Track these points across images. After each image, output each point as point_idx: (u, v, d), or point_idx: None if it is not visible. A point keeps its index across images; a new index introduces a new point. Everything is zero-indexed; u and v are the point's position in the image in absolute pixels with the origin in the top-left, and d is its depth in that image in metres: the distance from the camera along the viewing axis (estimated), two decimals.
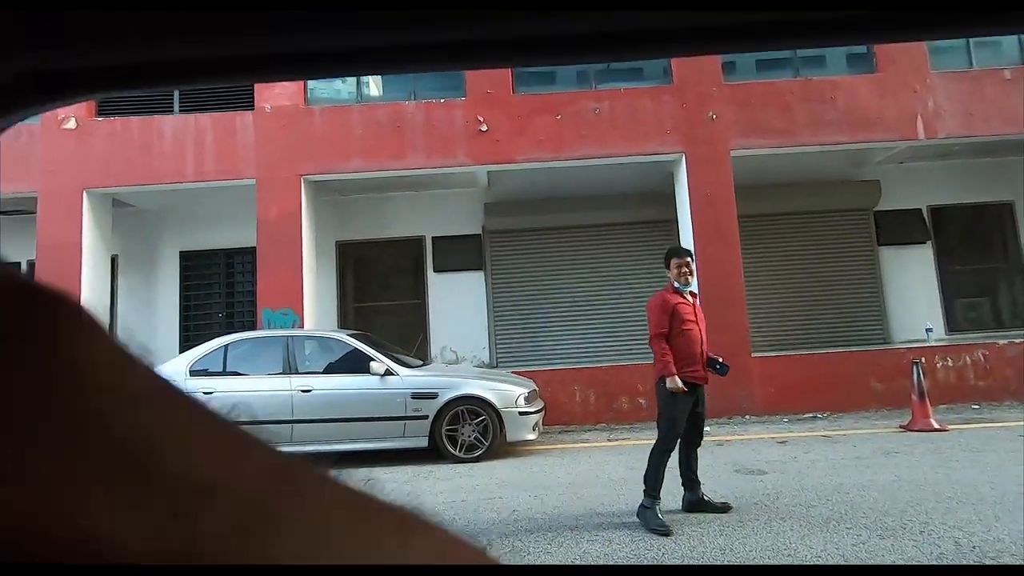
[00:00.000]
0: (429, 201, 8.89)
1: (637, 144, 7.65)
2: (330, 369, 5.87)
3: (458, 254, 8.86)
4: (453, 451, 5.56)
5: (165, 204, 8.53)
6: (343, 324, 8.60)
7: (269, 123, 7.76)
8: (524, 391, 5.81)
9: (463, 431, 5.61)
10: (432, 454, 5.61)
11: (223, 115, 7.67)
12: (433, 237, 8.95)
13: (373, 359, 5.76)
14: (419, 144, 7.72)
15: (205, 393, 5.45)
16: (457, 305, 8.75)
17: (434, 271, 8.91)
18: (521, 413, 5.67)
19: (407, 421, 5.61)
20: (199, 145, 7.59)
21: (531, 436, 5.72)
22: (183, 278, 8.82)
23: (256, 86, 7.76)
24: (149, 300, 8.71)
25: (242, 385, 5.67)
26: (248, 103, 7.79)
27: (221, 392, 5.43)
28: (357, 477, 0.19)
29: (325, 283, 8.55)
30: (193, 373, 5.65)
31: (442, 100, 7.85)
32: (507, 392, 5.74)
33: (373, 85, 8.44)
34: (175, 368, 5.65)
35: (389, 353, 6.03)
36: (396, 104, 7.95)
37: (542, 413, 5.97)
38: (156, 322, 8.68)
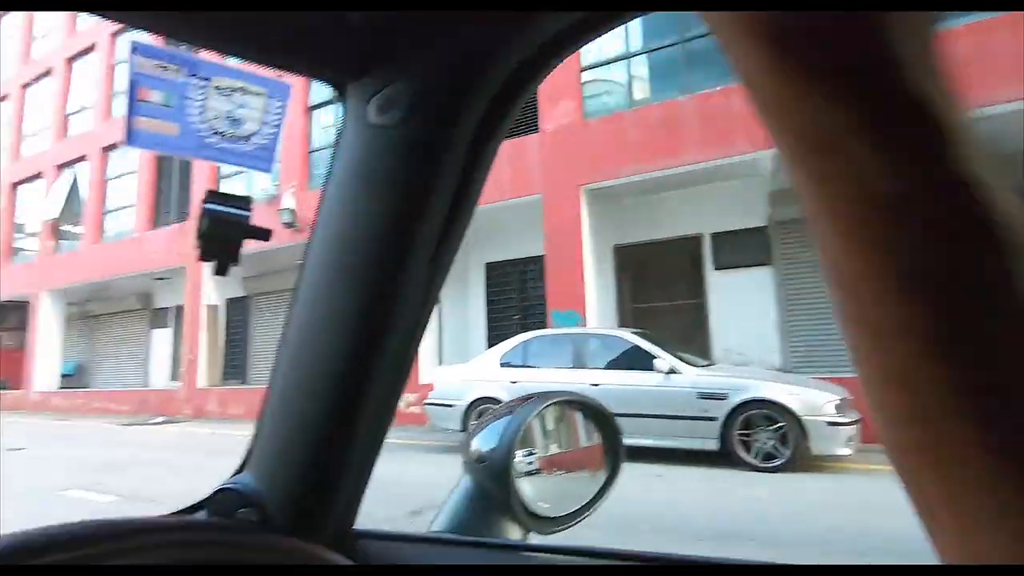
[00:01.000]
0: (706, 196, 8.54)
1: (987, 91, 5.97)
2: (612, 365, 6.12)
3: (741, 250, 8.27)
4: (747, 458, 5.19)
5: (475, 222, 10.13)
6: (622, 325, 8.86)
7: (552, 141, 8.56)
8: (834, 398, 5.07)
9: (758, 437, 5.19)
10: (724, 458, 5.34)
11: (516, 140, 8.76)
12: (712, 234, 8.55)
13: (657, 356, 5.79)
14: (694, 138, 7.51)
15: (511, 383, 6.28)
16: (741, 304, 8.17)
17: (714, 269, 8.50)
18: (830, 423, 4.96)
19: (695, 422, 5.46)
20: (497, 169, 8.77)
21: (844, 451, 4.96)
22: (488, 285, 10.33)
23: (540, 111, 8.67)
24: (463, 304, 10.45)
25: (540, 376, 6.34)
26: (534, 127, 8.74)
27: (524, 382, 6.17)
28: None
29: (604, 285, 8.96)
30: (502, 365, 6.55)
31: (717, 89, 7.49)
32: (811, 398, 5.10)
33: (638, 90, 8.55)
34: (489, 360, 6.66)
35: (672, 352, 5.98)
36: (668, 102, 7.90)
37: (857, 426, 5.12)
38: (468, 323, 10.36)
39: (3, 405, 15.36)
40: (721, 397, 5.37)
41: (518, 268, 10.06)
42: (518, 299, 10.10)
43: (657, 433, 5.58)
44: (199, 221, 0.49)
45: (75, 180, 15.32)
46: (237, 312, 13.05)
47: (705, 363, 6.35)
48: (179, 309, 13.75)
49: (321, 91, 10.65)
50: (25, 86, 17.35)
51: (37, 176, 16.33)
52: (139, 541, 0.22)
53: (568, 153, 8.38)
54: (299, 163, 10.91)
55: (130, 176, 14.19)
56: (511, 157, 8.69)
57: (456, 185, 0.54)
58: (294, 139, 10.77)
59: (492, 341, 9.23)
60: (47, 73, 16.64)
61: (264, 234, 0.52)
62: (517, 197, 8.63)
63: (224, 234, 0.49)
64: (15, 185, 16.95)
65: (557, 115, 8.55)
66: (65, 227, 15.51)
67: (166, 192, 13.55)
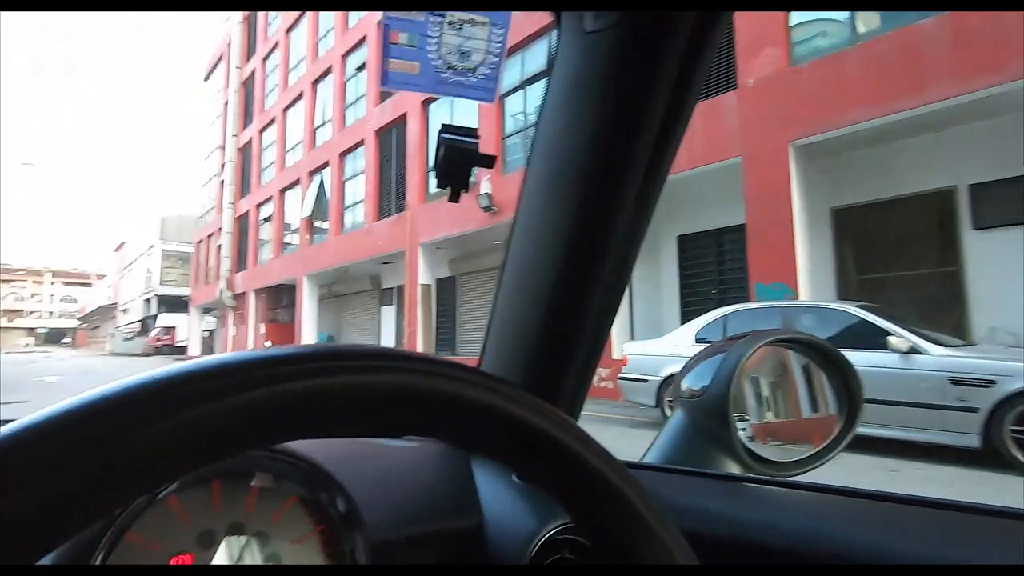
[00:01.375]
0: (960, 140, 6.93)
1: None
2: (832, 343, 5.36)
3: (1015, 203, 6.56)
4: None
5: (665, 194, 9.70)
6: (843, 298, 7.74)
7: (752, 97, 7.75)
8: None
9: None
10: (988, 458, 4.36)
11: (708, 102, 8.13)
12: (971, 185, 6.93)
13: (891, 334, 4.94)
14: (944, 68, 6.12)
15: None
16: (1016, 272, 6.51)
17: (974, 228, 6.90)
18: None
19: (946, 412, 4.54)
20: (690, 135, 8.27)
21: None
22: (681, 259, 9.87)
23: (738, 64, 7.90)
24: (655, 279, 10.15)
25: None
26: (730, 83, 8.01)
27: None
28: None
29: (820, 255, 7.90)
30: (698, 340, 6.23)
31: None
32: None
33: (864, 21, 7.21)
34: (684, 335, 6.39)
35: (912, 329, 5.04)
36: (906, 29, 6.55)
37: None
38: (661, 298, 10.04)
39: None
40: (985, 384, 4.38)
41: (713, 239, 9.40)
42: (715, 272, 9.46)
43: (888, 421, 4.78)
44: (436, 152, 0.56)
45: (322, 183, 18.49)
46: (445, 290, 14.53)
47: (960, 343, 5.24)
48: (400, 289, 15.83)
49: (511, 77, 11.14)
50: (285, 109, 21.38)
51: (296, 183, 20.10)
52: (416, 365, 0.25)
53: (773, 107, 7.50)
54: (493, 149, 11.62)
55: (360, 176, 16.64)
56: (704, 120, 8.09)
57: (667, 101, 0.53)
58: (489, 126, 11.47)
59: (686, 316, 8.83)
60: (299, 97, 20.27)
61: (489, 160, 0.56)
62: (711, 163, 8.03)
63: (456, 162, 0.55)
64: (282, 191, 21.10)
65: (759, 66, 7.69)
66: (316, 223, 18.88)
67: (387, 187, 15.59)
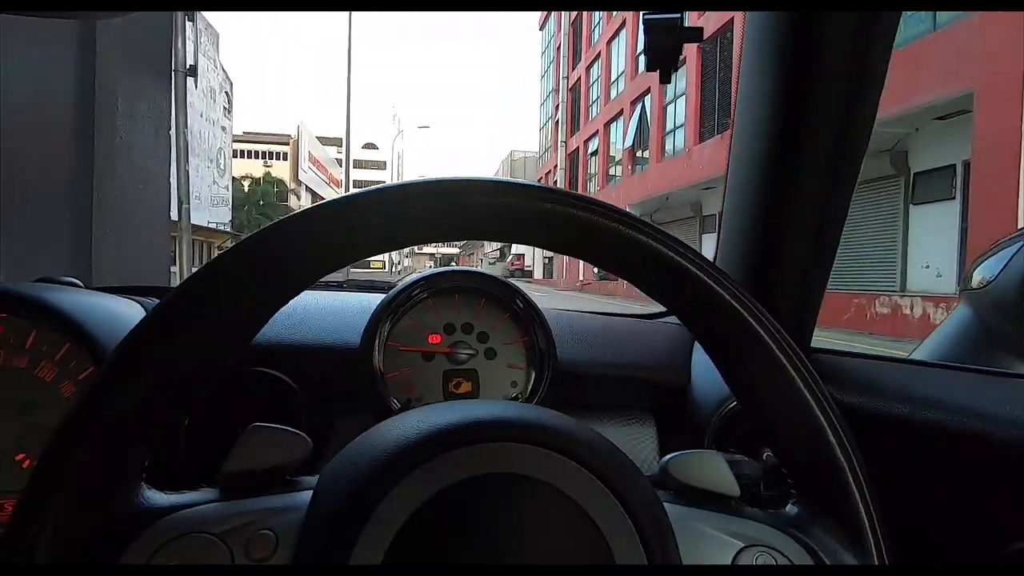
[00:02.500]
0: None
1: None
2: None
3: None
4: None
5: None
6: None
7: None
8: None
9: None
10: None
11: None
12: None
13: None
14: None
15: None
16: None
17: None
18: None
19: None
20: None
21: None
22: None
23: None
24: None
25: None
26: None
27: None
28: None
29: None
30: None
31: None
32: None
33: None
34: None
35: None
36: None
37: None
38: None
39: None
40: None
41: None
42: None
43: None
44: (645, 38, 0.59)
45: (643, 110, 18.57)
46: None
47: None
48: (720, 215, 15.06)
49: None
50: (609, 41, 21.88)
51: (619, 115, 20.68)
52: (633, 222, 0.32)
53: None
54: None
55: (680, 99, 16.05)
56: None
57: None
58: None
59: None
60: (623, 25, 20.41)
61: (696, 33, 0.57)
62: None
63: (663, 42, 0.58)
64: (606, 125, 22.05)
65: None
66: (638, 153, 19.22)
67: (709, 106, 14.65)
